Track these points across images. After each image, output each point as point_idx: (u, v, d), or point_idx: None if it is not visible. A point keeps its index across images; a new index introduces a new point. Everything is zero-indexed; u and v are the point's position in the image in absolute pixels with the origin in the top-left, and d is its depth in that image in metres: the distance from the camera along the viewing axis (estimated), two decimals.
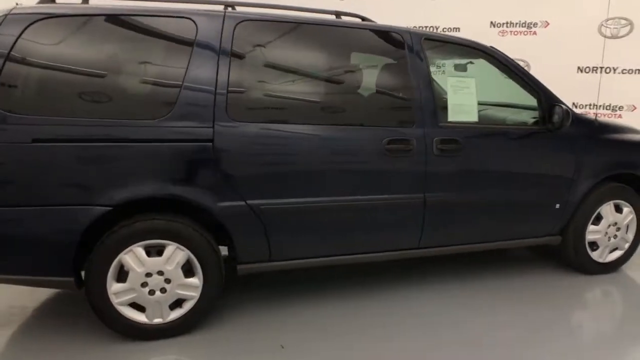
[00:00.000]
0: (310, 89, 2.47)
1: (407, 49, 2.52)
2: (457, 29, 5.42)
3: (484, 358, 2.19)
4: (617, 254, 3.10)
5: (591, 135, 2.89)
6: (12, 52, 1.98)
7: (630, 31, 5.17)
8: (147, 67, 2.21)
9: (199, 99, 2.18)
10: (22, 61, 2.01)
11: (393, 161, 2.46)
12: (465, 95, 2.61)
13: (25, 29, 2.01)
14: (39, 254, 2.09)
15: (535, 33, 5.45)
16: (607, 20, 5.27)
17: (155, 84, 2.20)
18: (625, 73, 5.26)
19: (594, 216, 2.97)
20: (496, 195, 2.71)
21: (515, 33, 5.52)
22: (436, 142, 2.51)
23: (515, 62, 2.78)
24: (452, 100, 2.59)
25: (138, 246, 2.17)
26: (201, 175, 2.21)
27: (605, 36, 5.29)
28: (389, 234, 2.58)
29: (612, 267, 3.13)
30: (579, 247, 2.99)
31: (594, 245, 3.03)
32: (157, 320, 2.26)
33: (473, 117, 2.64)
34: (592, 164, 2.88)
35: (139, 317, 2.24)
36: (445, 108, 2.59)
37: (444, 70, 3.04)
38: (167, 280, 2.23)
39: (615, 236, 3.05)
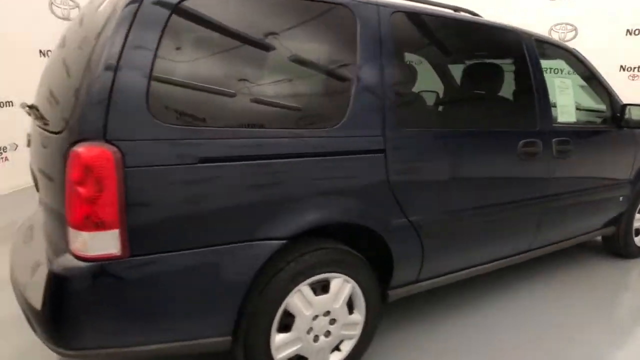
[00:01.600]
0: (463, 90, 2.26)
1: (525, 49, 2.45)
2: None
3: None
4: None
5: None
6: (160, 45, 1.42)
7: (575, 36, 5.84)
8: (313, 63, 1.78)
9: (370, 102, 1.83)
10: (176, 57, 1.46)
11: (525, 164, 2.38)
12: (567, 96, 2.64)
13: (172, 13, 1.46)
14: (200, 311, 1.56)
15: None
16: (556, 25, 5.88)
17: (324, 83, 1.79)
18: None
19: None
20: (591, 193, 2.82)
21: None
22: (555, 144, 2.49)
23: (593, 66, 2.90)
24: (559, 101, 2.59)
25: (306, 284, 1.76)
26: (373, 191, 1.87)
27: None
28: (514, 239, 2.52)
29: None
30: (627, 234, 3.26)
31: (637, 231, 3.34)
32: None
33: (573, 118, 2.69)
34: None
35: None
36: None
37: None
38: (332, 321, 1.85)
39: None
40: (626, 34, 5.46)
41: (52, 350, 1.44)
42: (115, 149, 1.34)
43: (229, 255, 1.55)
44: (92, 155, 1.32)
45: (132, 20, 1.40)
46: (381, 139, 1.86)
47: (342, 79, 1.79)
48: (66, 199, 1.36)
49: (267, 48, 1.67)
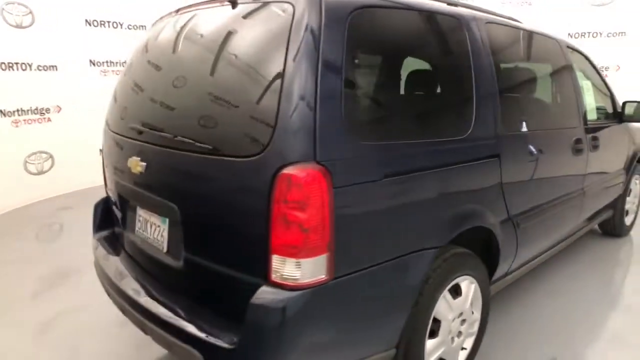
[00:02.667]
0: (540, 92, 2.45)
1: (563, 55, 2.71)
2: None
3: None
4: (631, 217, 3.95)
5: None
6: (345, 63, 1.39)
7: None
8: (445, 71, 1.84)
9: (486, 107, 1.93)
10: (357, 72, 1.44)
11: (575, 159, 2.65)
12: (590, 97, 2.95)
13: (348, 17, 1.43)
14: (383, 326, 1.56)
15: None
16: None
17: (463, 92, 1.86)
18: None
19: (628, 189, 3.73)
20: (606, 180, 3.18)
21: None
22: (589, 140, 2.78)
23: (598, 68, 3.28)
24: (587, 101, 2.89)
25: (447, 289, 1.81)
26: (491, 194, 1.97)
27: None
28: (567, 225, 2.80)
29: (630, 228, 3.96)
30: (621, 216, 3.70)
31: (626, 212, 3.80)
32: None
33: (595, 115, 3.01)
34: (636, 146, 3.60)
35: None
36: None
37: None
38: (463, 322, 1.93)
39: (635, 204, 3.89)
40: (568, 38, 6.16)
41: None
42: (324, 169, 1.30)
43: (406, 266, 1.57)
44: (309, 177, 1.26)
45: (318, 39, 1.35)
46: (496, 144, 1.97)
47: (467, 86, 1.87)
48: (273, 225, 1.28)
49: (430, 63, 1.71)
